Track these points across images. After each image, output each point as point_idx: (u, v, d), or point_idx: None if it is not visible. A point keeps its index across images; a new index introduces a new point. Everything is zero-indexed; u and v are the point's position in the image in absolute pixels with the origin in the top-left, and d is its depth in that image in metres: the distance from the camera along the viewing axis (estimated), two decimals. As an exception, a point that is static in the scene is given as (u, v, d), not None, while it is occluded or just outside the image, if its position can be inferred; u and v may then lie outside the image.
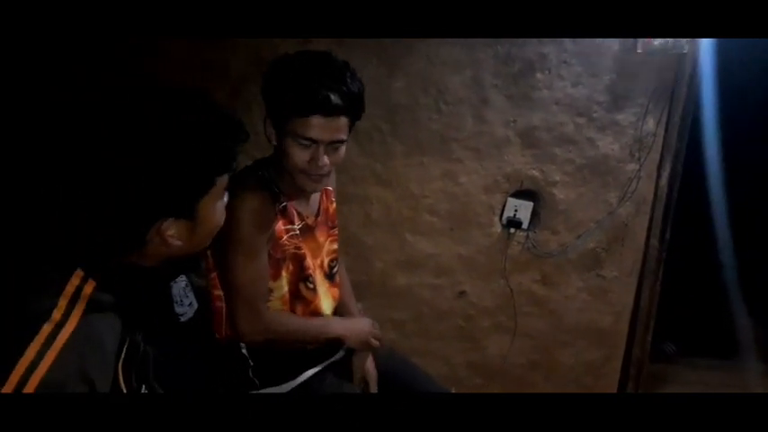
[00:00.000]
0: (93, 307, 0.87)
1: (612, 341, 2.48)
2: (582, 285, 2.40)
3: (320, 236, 1.55)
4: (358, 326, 1.59)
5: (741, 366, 2.81)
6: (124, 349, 0.91)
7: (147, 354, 0.97)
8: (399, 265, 2.35)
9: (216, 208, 0.99)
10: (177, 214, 0.92)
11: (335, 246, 1.62)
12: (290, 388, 1.51)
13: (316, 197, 1.56)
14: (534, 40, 2.07)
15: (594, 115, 2.16)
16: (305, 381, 1.52)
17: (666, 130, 2.18)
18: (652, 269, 2.37)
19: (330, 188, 1.62)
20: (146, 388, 0.99)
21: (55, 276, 0.88)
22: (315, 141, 1.29)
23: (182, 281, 1.09)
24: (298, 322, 1.51)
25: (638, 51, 2.03)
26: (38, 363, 0.80)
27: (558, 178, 2.24)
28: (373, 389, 1.65)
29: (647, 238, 2.33)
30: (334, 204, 1.63)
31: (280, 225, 1.41)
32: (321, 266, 1.57)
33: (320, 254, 1.55)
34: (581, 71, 2.11)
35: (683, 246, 2.55)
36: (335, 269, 1.63)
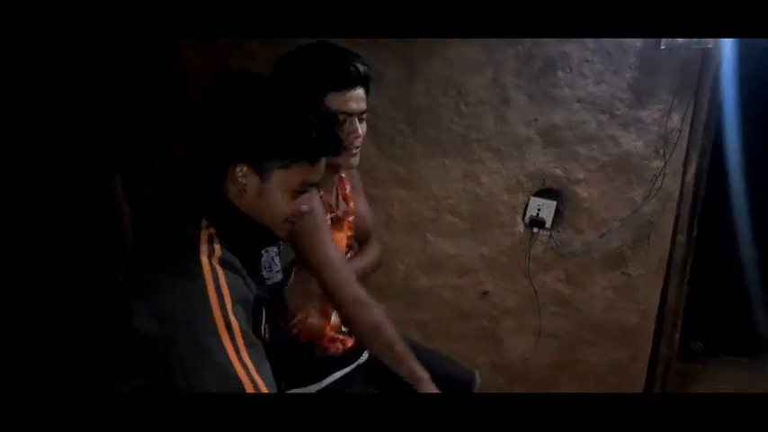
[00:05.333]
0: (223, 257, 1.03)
1: (639, 340, 2.45)
2: (607, 284, 2.37)
3: (342, 225, 1.58)
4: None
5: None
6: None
7: (260, 297, 1.10)
8: (421, 266, 2.35)
9: (288, 194, 1.10)
10: (249, 160, 1.06)
11: (351, 233, 1.64)
12: (316, 390, 1.52)
13: (335, 189, 1.59)
14: (555, 39, 2.04)
15: (617, 112, 2.13)
16: (332, 383, 1.53)
17: (692, 126, 2.14)
18: (678, 267, 2.33)
19: (344, 175, 1.65)
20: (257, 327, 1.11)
21: (189, 228, 1.06)
22: (349, 114, 1.39)
23: (272, 250, 1.23)
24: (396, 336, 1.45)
25: (662, 47, 2.00)
26: (224, 305, 0.97)
27: (581, 176, 2.22)
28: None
29: (674, 234, 2.30)
30: (348, 189, 1.66)
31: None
32: None
33: (339, 243, 1.57)
34: (603, 69, 2.08)
35: (710, 243, 2.50)
36: (348, 256, 1.65)
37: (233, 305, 0.98)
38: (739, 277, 2.66)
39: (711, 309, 2.82)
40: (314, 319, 1.55)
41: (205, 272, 0.98)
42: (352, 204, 1.65)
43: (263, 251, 1.21)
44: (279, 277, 1.26)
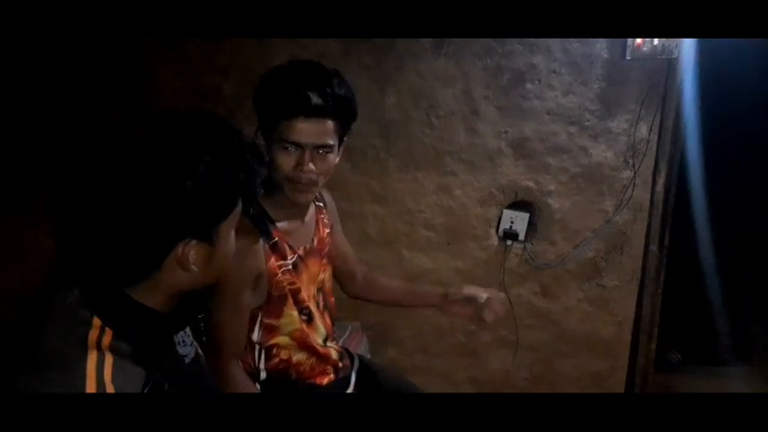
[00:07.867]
0: (115, 357, 0.86)
1: (616, 351, 2.45)
2: (582, 296, 2.37)
3: (312, 266, 1.48)
4: None
5: (749, 373, 2.78)
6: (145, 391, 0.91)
7: (170, 393, 0.96)
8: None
9: (231, 234, 0.97)
10: (200, 236, 0.90)
11: (327, 274, 1.57)
12: None
13: (311, 225, 1.50)
14: (523, 51, 2.07)
15: (587, 123, 2.16)
16: None
17: (660, 136, 2.18)
18: (652, 276, 2.35)
19: (324, 215, 1.56)
20: None
21: (75, 328, 0.86)
22: (300, 146, 1.27)
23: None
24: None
25: (628, 58, 2.04)
26: None
27: (552, 188, 2.23)
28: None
29: (646, 244, 2.32)
30: (328, 230, 1.57)
31: (272, 262, 1.36)
32: (314, 297, 1.51)
33: (313, 285, 1.50)
34: (571, 80, 2.11)
35: (683, 251, 2.53)
36: (320, 304, 1.57)
37: None
38: (714, 285, 2.67)
39: (688, 318, 2.83)
40: (298, 356, 1.47)
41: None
42: (327, 240, 1.55)
43: None
44: (193, 351, 1.11)
